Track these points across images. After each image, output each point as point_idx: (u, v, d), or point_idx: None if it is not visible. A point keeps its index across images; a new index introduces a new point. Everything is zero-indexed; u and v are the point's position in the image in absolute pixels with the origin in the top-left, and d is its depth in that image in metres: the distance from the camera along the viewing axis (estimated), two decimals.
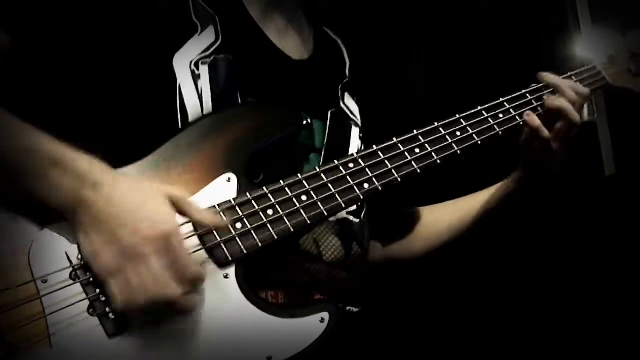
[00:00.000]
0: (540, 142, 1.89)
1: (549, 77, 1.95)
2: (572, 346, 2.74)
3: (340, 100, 1.94)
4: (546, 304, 2.83)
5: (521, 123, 1.86)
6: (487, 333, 2.78)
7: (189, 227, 1.44)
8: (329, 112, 1.86)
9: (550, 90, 1.93)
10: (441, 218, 2.16)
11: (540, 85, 1.93)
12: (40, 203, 1.36)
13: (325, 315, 1.52)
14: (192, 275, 1.37)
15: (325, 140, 1.82)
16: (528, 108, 1.88)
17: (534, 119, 1.86)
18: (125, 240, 1.32)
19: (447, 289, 2.87)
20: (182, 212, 1.41)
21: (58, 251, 1.40)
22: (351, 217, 1.87)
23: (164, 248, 1.33)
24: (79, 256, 1.39)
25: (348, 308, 1.83)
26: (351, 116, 1.95)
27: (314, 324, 1.52)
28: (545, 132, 1.86)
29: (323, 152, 1.80)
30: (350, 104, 1.97)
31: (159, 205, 1.38)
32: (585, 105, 2.09)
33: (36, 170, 1.34)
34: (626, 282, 2.77)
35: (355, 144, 1.92)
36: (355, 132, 1.93)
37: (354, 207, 1.86)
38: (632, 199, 2.81)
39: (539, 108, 1.89)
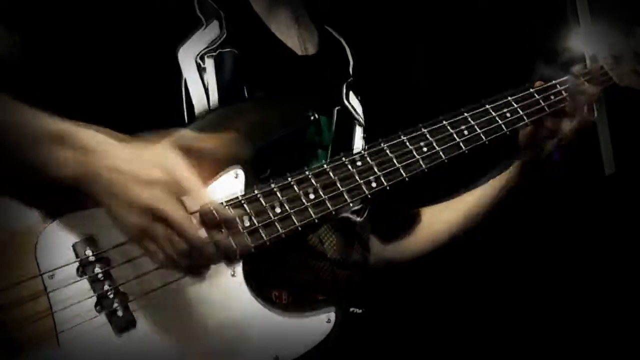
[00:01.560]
0: (543, 140, 1.90)
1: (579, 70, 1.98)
2: (572, 346, 2.74)
3: (345, 98, 1.93)
4: (547, 304, 2.83)
5: (529, 124, 1.85)
6: (489, 333, 2.78)
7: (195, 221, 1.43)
8: (335, 110, 1.85)
9: (556, 90, 1.92)
10: (440, 218, 2.16)
11: (547, 84, 1.93)
12: (51, 180, 1.32)
13: (332, 315, 1.52)
14: (210, 210, 1.33)
15: (332, 138, 1.81)
16: (535, 108, 1.87)
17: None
18: (144, 196, 1.28)
19: (449, 289, 2.87)
20: (188, 150, 1.38)
21: (65, 246, 1.39)
22: (354, 216, 1.86)
23: (182, 194, 1.30)
24: (87, 251, 1.38)
25: (351, 309, 1.82)
26: (355, 115, 1.94)
27: (321, 323, 1.51)
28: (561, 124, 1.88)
29: (330, 149, 1.80)
30: (354, 103, 1.96)
31: (169, 153, 1.34)
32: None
33: (38, 147, 1.32)
34: (626, 282, 2.77)
35: (358, 143, 1.91)
36: (358, 131, 1.92)
37: (357, 206, 1.85)
38: (632, 199, 2.81)
39: (546, 108, 1.89)
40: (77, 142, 1.32)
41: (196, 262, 1.33)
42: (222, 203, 1.47)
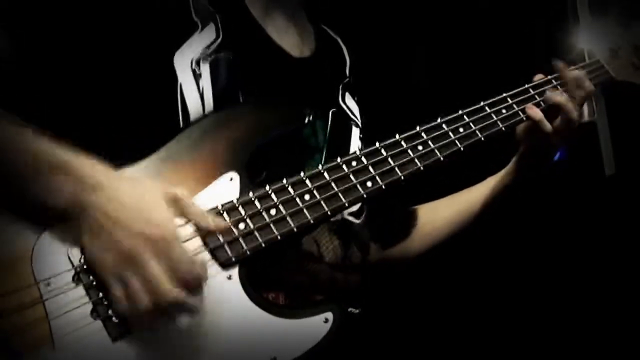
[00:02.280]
0: (541, 136, 1.88)
1: (560, 67, 1.95)
2: (572, 346, 2.73)
3: (341, 100, 1.93)
4: (547, 304, 2.82)
5: (524, 118, 1.85)
6: (487, 333, 2.78)
7: (192, 228, 1.43)
8: (330, 112, 1.85)
9: (552, 85, 1.92)
10: (438, 215, 2.14)
11: (543, 79, 1.92)
12: (41, 207, 1.35)
13: (329, 315, 1.51)
14: (193, 277, 1.36)
15: (327, 140, 1.81)
16: (531, 103, 1.87)
17: (536, 112, 1.85)
18: (125, 243, 1.32)
19: (448, 289, 2.86)
20: (182, 214, 1.40)
21: (61, 253, 1.38)
22: (351, 218, 1.86)
23: (164, 250, 1.33)
24: (82, 259, 1.38)
25: (349, 309, 1.81)
26: (351, 116, 1.94)
27: (318, 324, 1.50)
28: (547, 126, 1.85)
29: (325, 152, 1.79)
30: (351, 104, 1.96)
31: (159, 207, 1.37)
32: (585, 105, 2.09)
33: (37, 175, 1.34)
34: (626, 281, 2.76)
35: (355, 144, 1.90)
36: (355, 133, 1.92)
37: (355, 208, 1.85)
38: (632, 199, 2.81)
39: (541, 103, 1.88)
40: (77, 174, 1.35)
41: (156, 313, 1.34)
42: (217, 207, 1.48)
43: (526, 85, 1.90)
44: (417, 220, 2.14)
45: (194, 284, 1.36)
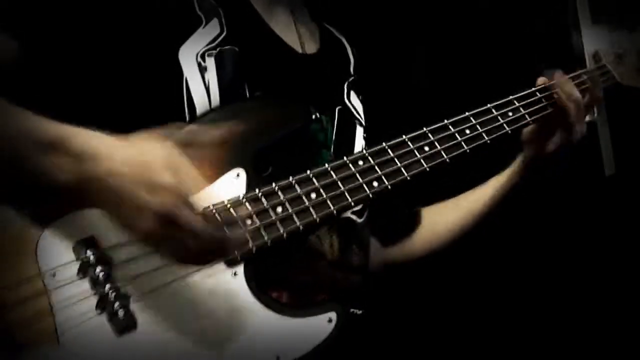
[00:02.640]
0: (546, 138, 1.89)
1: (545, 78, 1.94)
2: (572, 346, 2.74)
3: (346, 98, 1.93)
4: (547, 305, 2.83)
5: (530, 122, 1.85)
6: (489, 333, 2.78)
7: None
8: (337, 109, 1.85)
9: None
10: (441, 218, 2.15)
11: (549, 83, 1.92)
12: (47, 186, 1.30)
13: (333, 315, 1.52)
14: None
15: (334, 137, 1.80)
16: (537, 106, 1.88)
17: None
18: (153, 202, 1.25)
19: (449, 289, 2.87)
20: (188, 144, 1.38)
21: (66, 246, 1.38)
22: (354, 217, 1.86)
23: (187, 191, 1.29)
24: (88, 251, 1.37)
25: (351, 310, 1.82)
26: (356, 115, 1.94)
27: (322, 324, 1.51)
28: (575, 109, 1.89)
29: (332, 149, 1.79)
30: (356, 103, 1.96)
31: (166, 154, 1.31)
32: None
33: (35, 154, 1.29)
34: (626, 282, 2.77)
35: (359, 143, 1.90)
36: (359, 131, 1.92)
37: (358, 207, 1.85)
38: (632, 199, 2.81)
39: (548, 107, 1.88)
40: (73, 148, 1.29)
41: (211, 257, 1.35)
42: (223, 202, 1.47)
43: (533, 89, 1.90)
44: (418, 223, 2.14)
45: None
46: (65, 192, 1.30)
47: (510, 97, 1.85)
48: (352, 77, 1.99)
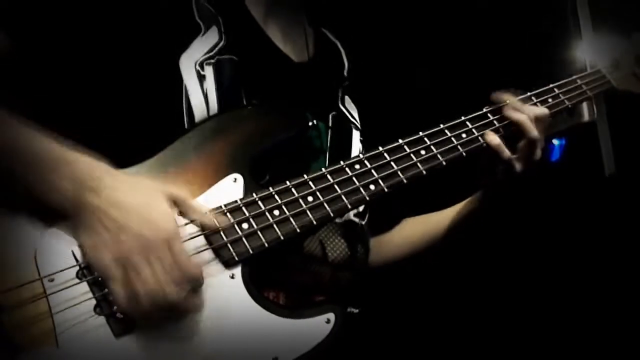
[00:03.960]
0: (502, 163, 1.82)
1: (502, 97, 1.86)
2: (572, 346, 2.75)
3: (340, 103, 1.94)
4: (546, 304, 2.83)
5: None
6: (487, 333, 2.79)
7: (196, 227, 1.45)
8: (330, 115, 1.86)
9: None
10: (415, 229, 2.12)
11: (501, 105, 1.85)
12: (42, 204, 1.35)
13: (331, 316, 1.53)
14: (191, 277, 1.37)
15: (329, 143, 1.82)
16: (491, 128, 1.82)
17: (494, 138, 1.79)
18: (125, 243, 1.32)
19: (448, 289, 2.87)
20: (183, 213, 1.42)
21: (65, 249, 1.39)
22: (356, 219, 1.87)
23: (162, 252, 1.33)
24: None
25: (349, 309, 1.83)
26: (351, 119, 1.95)
27: (320, 324, 1.52)
28: (506, 153, 1.79)
29: (328, 154, 1.81)
30: (350, 107, 1.97)
31: (159, 207, 1.38)
32: (585, 106, 2.10)
33: (36, 173, 1.34)
34: (626, 281, 2.77)
35: (356, 147, 1.92)
36: (355, 136, 1.93)
37: (360, 209, 1.86)
38: (632, 199, 2.81)
39: (500, 130, 1.82)
40: (75, 173, 1.34)
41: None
42: (220, 207, 1.49)
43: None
44: (398, 229, 2.13)
45: (192, 284, 1.38)
46: (60, 211, 1.35)
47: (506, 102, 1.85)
48: (347, 82, 2.00)
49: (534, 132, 1.80)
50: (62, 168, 1.34)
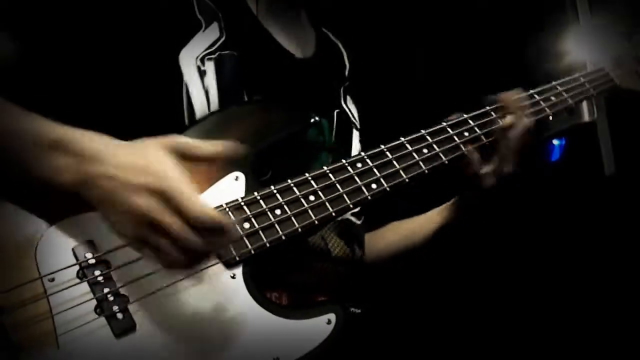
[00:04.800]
0: (477, 176, 1.78)
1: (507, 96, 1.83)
2: (572, 346, 2.75)
3: (343, 102, 1.93)
4: (546, 304, 2.83)
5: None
6: (488, 333, 2.79)
7: None
8: (335, 112, 1.85)
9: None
10: (382, 238, 2.07)
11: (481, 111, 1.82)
12: (47, 188, 1.32)
13: (332, 316, 1.52)
14: (208, 221, 1.29)
15: (333, 140, 1.81)
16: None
17: (470, 152, 1.74)
18: (135, 202, 1.26)
19: (449, 289, 2.87)
20: (185, 156, 1.36)
21: (65, 249, 1.38)
22: (353, 219, 1.86)
23: (172, 200, 1.27)
24: (86, 254, 1.38)
25: (350, 309, 1.82)
26: (352, 118, 1.94)
27: (321, 325, 1.51)
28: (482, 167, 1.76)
29: (331, 152, 1.80)
30: (351, 107, 1.97)
31: (158, 158, 1.32)
32: (585, 106, 2.09)
33: (37, 154, 1.32)
34: (626, 281, 2.78)
35: (355, 147, 1.91)
36: (355, 135, 1.93)
37: (357, 209, 1.85)
38: (632, 199, 2.81)
39: (482, 137, 1.78)
40: (76, 148, 1.31)
41: (195, 261, 1.32)
42: (222, 205, 1.48)
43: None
44: (383, 231, 2.09)
45: (211, 226, 1.30)
46: (64, 192, 1.32)
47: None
48: (347, 82, 1.99)
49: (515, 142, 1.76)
50: (62, 147, 1.31)
